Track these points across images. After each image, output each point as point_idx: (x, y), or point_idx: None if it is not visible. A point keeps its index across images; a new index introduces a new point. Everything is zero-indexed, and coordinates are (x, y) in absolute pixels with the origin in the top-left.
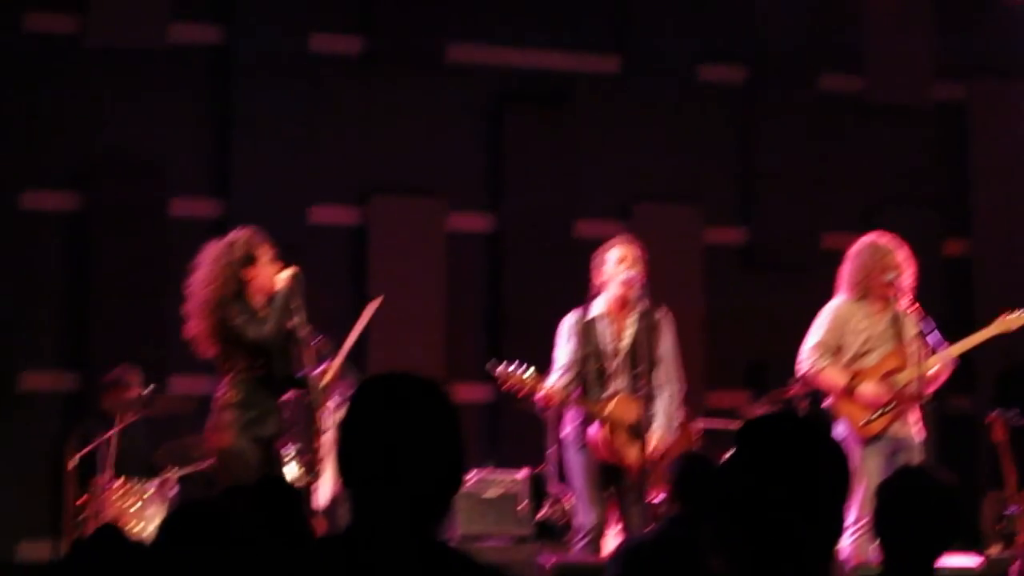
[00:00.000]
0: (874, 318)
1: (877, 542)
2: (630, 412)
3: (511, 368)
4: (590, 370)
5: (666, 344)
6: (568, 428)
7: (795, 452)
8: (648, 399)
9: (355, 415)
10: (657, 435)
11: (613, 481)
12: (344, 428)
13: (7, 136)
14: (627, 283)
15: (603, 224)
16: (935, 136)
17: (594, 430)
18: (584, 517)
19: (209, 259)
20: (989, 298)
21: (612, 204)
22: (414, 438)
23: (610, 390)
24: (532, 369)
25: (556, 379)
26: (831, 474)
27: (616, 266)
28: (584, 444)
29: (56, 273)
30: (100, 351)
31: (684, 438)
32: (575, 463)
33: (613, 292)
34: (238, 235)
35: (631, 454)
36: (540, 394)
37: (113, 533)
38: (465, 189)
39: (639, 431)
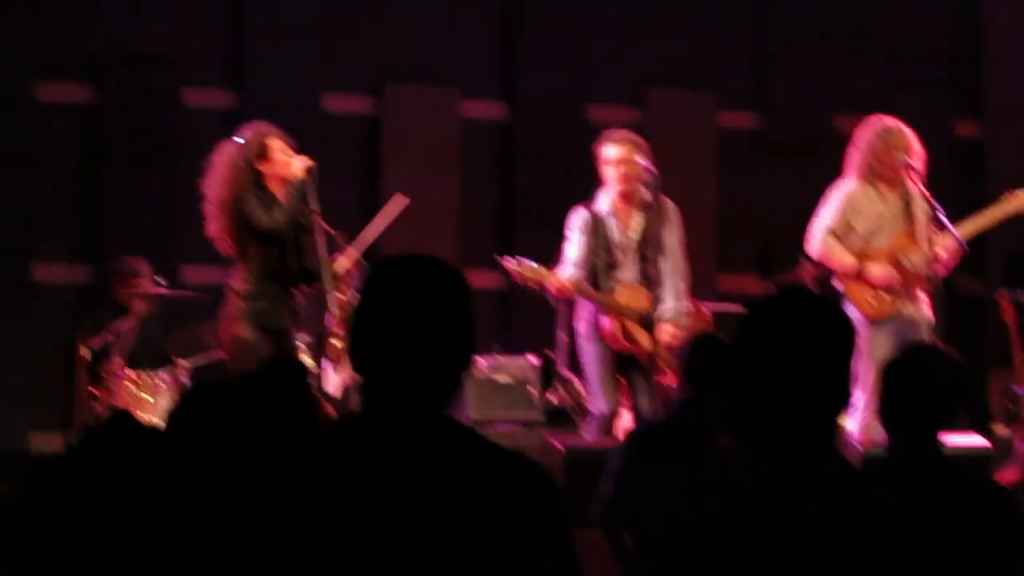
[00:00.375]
0: (883, 200)
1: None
2: (640, 301)
3: (522, 262)
4: (600, 263)
5: (673, 236)
6: (580, 320)
7: (800, 320)
8: (657, 288)
9: (369, 295)
10: (667, 324)
11: (625, 369)
12: (358, 309)
13: (20, 28)
14: (627, 184)
15: (616, 109)
16: (949, 18)
17: (606, 321)
18: (596, 404)
19: (222, 159)
20: (1000, 180)
21: (625, 89)
22: (426, 317)
23: (620, 281)
24: (540, 265)
25: (567, 272)
26: (835, 341)
27: (616, 168)
28: (597, 335)
29: (69, 165)
30: (113, 242)
31: (699, 320)
32: (588, 353)
33: (616, 189)
34: (248, 131)
35: (642, 342)
36: (553, 285)
37: (127, 419)
38: (478, 77)
39: (649, 320)
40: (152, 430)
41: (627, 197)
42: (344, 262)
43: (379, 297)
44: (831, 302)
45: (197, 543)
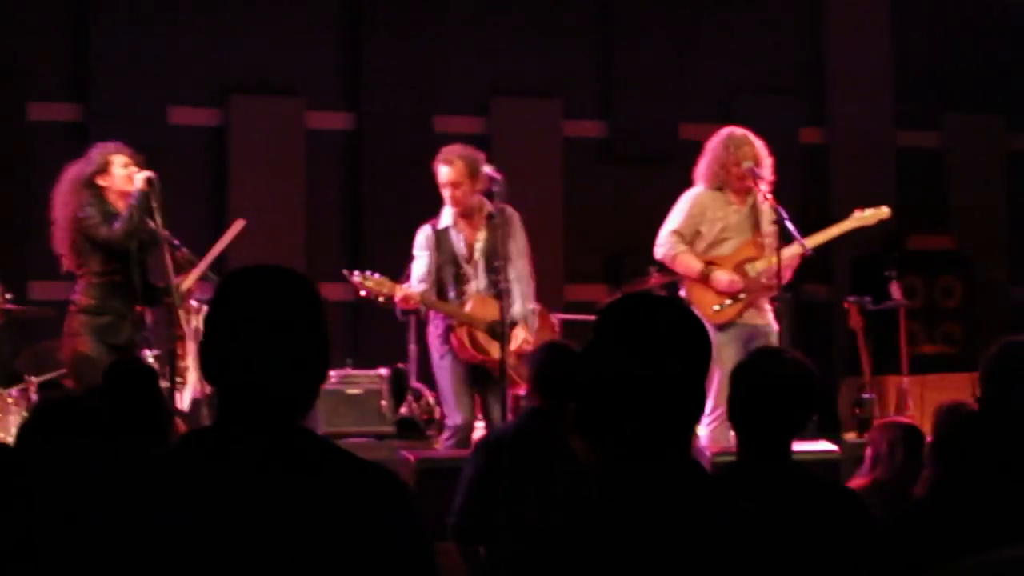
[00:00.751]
0: (731, 208)
1: (733, 429)
2: (488, 311)
3: (367, 274)
4: (447, 276)
5: (516, 243)
6: (431, 334)
7: (654, 326)
8: (505, 297)
9: (220, 307)
10: (518, 331)
11: (478, 380)
12: (208, 320)
13: None
14: (459, 205)
15: (462, 119)
16: (792, 24)
17: (455, 333)
18: (452, 417)
19: (66, 177)
20: (845, 184)
21: (471, 100)
22: (279, 328)
23: (468, 292)
24: (385, 278)
25: (415, 287)
26: (691, 346)
27: (446, 190)
28: (449, 348)
29: None
30: None
31: (546, 328)
32: (441, 368)
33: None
34: (92, 151)
35: (492, 352)
36: (399, 296)
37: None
38: (323, 88)
39: (498, 330)
40: (2, 447)
41: (465, 215)
42: (191, 278)
43: (231, 308)
44: (685, 307)
45: (49, 563)
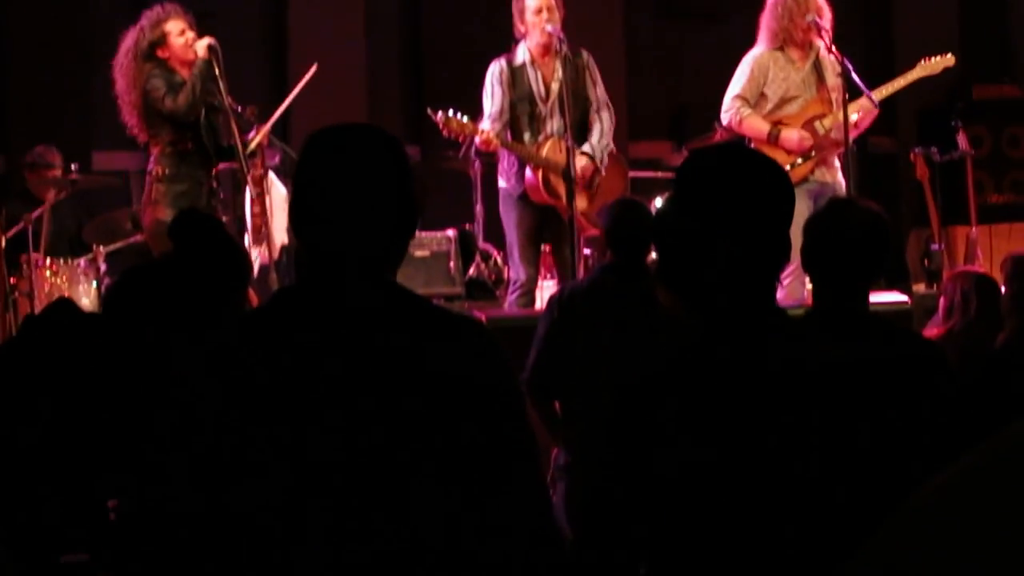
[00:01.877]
0: (794, 67)
1: (808, 283)
2: (564, 156)
3: (450, 114)
4: (522, 115)
5: (595, 84)
6: (503, 179)
7: (735, 175)
8: (581, 140)
9: (307, 166)
10: (589, 154)
11: (548, 230)
12: (296, 180)
13: None
14: (550, 34)
15: None
16: None
17: (530, 174)
18: (518, 271)
19: (124, 49)
20: (908, 33)
21: None
22: (370, 184)
23: (543, 134)
24: (467, 117)
25: (489, 126)
26: (776, 197)
27: (535, 16)
28: (522, 192)
29: None
30: (23, 132)
31: (617, 172)
32: (511, 216)
33: (536, 40)
34: (146, 17)
35: (564, 195)
36: (479, 138)
37: (67, 306)
38: None
39: (571, 173)
40: (91, 316)
41: (546, 49)
42: (257, 138)
43: (318, 166)
44: (763, 156)
45: (145, 428)
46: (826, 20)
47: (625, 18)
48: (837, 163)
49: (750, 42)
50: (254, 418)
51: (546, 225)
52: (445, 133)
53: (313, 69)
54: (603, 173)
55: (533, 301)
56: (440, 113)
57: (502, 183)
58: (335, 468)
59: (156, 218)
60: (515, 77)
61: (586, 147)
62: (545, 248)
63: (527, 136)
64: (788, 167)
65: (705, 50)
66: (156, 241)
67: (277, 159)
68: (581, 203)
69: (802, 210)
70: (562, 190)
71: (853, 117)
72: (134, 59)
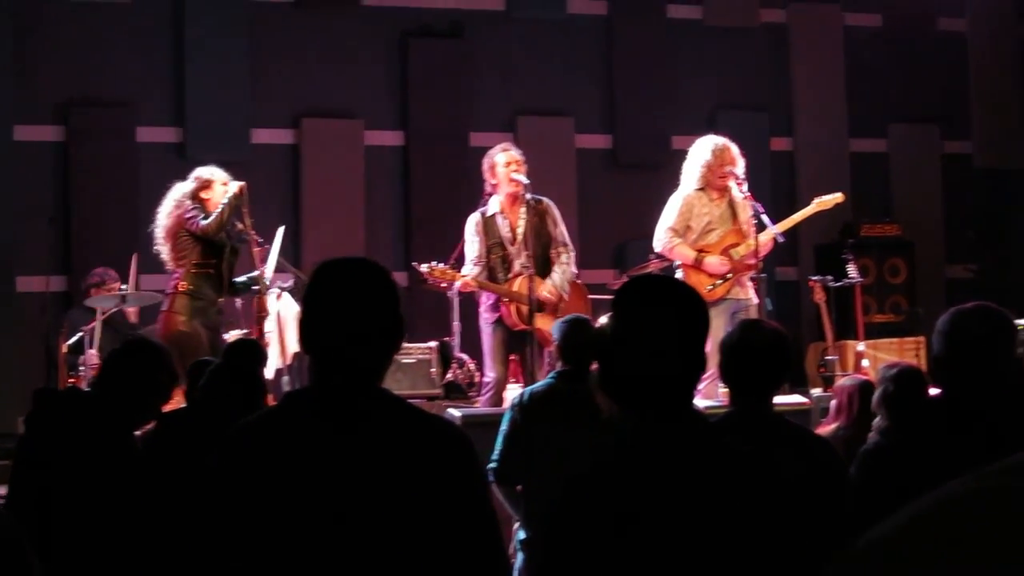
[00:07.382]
0: (713, 204)
1: (723, 386)
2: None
3: (432, 265)
4: (495, 258)
5: (555, 225)
6: (483, 309)
7: (661, 300)
8: (545, 271)
9: (317, 289)
10: (553, 283)
11: (518, 345)
12: (306, 302)
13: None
14: (517, 183)
15: (493, 135)
16: (763, 52)
17: (504, 307)
18: (489, 374)
19: (171, 194)
20: (809, 186)
21: (499, 119)
22: (366, 308)
23: (512, 272)
24: (446, 266)
25: (470, 270)
26: (692, 314)
27: (505, 168)
28: (497, 318)
29: (45, 195)
30: (82, 258)
31: (578, 296)
32: (488, 337)
33: (505, 191)
34: (198, 170)
35: (534, 322)
36: (459, 283)
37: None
38: (379, 111)
39: (540, 304)
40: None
41: (514, 198)
42: (268, 270)
43: (326, 291)
44: (685, 284)
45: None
46: (740, 168)
47: (577, 168)
48: (749, 283)
49: (675, 188)
50: (269, 506)
51: (515, 341)
52: (430, 281)
53: (282, 229)
54: (566, 299)
55: (502, 400)
56: (425, 266)
57: (483, 312)
58: (336, 535)
59: (177, 328)
60: (487, 226)
61: (549, 281)
62: (514, 358)
63: (500, 275)
64: (709, 287)
65: (642, 194)
66: (176, 349)
67: (291, 282)
68: (548, 324)
69: (720, 324)
70: (533, 318)
71: (763, 238)
72: (182, 197)
